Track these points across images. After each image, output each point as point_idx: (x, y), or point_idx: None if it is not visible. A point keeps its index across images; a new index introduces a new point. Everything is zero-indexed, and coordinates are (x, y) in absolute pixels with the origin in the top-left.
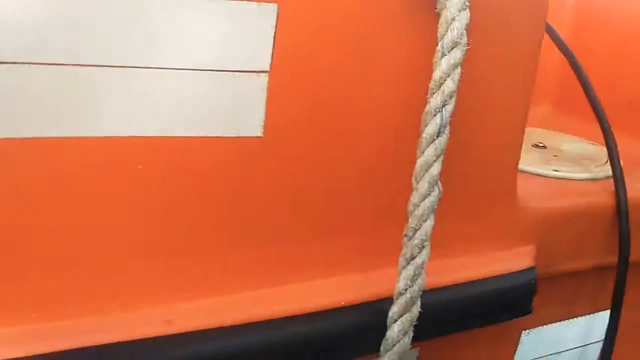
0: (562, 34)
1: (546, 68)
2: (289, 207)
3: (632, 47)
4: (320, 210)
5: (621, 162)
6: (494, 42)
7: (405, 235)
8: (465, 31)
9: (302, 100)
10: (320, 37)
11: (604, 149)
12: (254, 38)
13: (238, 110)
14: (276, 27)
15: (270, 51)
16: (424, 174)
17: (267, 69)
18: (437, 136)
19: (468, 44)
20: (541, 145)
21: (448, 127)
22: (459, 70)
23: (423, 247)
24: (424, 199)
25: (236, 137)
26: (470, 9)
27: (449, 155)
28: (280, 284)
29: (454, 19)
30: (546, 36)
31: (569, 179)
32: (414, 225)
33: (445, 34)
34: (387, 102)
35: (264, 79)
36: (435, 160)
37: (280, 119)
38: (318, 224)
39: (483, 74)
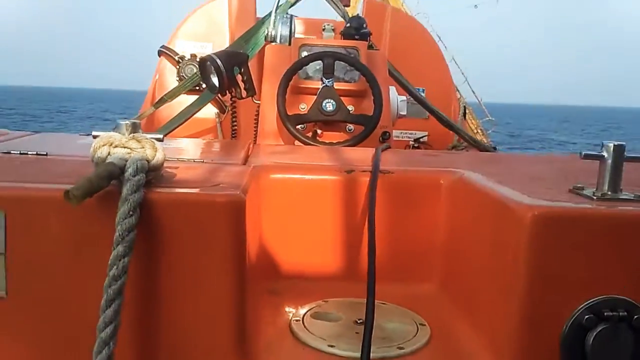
0: None
1: (432, 247)
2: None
3: None
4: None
5: None
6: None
7: None
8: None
9: (38, 271)
10: (45, 232)
11: (427, 330)
12: None
13: None
14: (5, 224)
15: (3, 239)
16: None
17: (3, 251)
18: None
19: None
20: (360, 321)
21: None
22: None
23: None
24: None
25: None
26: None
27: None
28: None
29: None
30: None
31: (337, 356)
32: None
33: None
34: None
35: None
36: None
37: (21, 284)
38: None
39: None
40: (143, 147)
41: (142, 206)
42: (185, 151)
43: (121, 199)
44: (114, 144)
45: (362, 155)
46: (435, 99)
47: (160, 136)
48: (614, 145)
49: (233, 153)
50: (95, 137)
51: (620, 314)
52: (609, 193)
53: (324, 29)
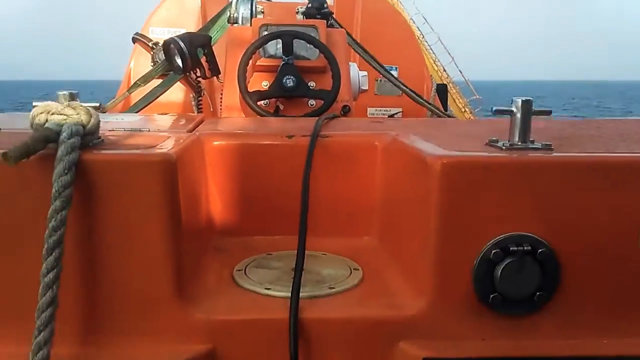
0: None
1: (371, 204)
2: None
3: None
4: None
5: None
6: None
7: None
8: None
9: None
10: None
11: (359, 274)
12: None
13: None
14: None
15: None
16: None
17: None
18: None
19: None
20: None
21: None
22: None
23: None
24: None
25: None
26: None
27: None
28: None
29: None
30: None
31: (272, 297)
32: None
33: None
34: None
35: None
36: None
37: None
38: None
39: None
40: (78, 114)
41: (78, 166)
42: (135, 122)
43: (57, 160)
44: (51, 112)
45: (310, 123)
46: (407, 77)
47: (97, 105)
48: (522, 100)
49: (182, 124)
50: (35, 106)
51: (525, 248)
52: (519, 144)
53: (297, 12)
